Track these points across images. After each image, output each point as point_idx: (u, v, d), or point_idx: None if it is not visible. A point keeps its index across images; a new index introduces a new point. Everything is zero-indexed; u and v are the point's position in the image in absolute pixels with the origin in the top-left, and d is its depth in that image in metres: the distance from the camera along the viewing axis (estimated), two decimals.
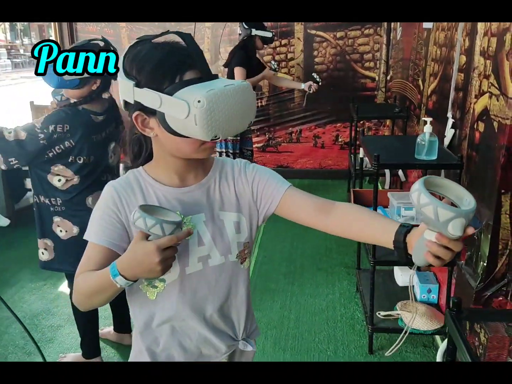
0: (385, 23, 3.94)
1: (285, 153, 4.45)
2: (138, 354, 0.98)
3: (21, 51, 21.37)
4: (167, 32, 0.92)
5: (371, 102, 4.12)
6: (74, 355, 2.05)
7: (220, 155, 3.56)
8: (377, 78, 4.15)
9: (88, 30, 4.36)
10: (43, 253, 1.80)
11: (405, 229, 0.80)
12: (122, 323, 2.15)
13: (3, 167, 1.61)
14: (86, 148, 1.70)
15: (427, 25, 2.71)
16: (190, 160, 0.92)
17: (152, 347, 0.96)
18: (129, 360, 1.02)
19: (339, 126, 4.33)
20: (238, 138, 3.54)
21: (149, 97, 0.83)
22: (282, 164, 4.43)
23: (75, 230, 1.75)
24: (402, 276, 2.33)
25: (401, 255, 0.81)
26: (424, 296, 2.18)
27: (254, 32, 3.34)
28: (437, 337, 2.12)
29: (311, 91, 3.43)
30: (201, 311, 0.95)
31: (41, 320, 2.34)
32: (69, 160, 1.68)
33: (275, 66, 3.69)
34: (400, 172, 3.06)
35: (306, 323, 2.29)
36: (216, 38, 4.23)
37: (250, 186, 0.97)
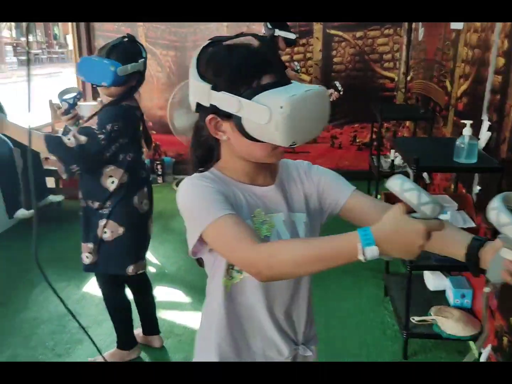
0: (406, 24, 3.91)
1: (301, 154, 4.40)
2: (205, 350, 0.98)
3: (27, 49, 21.37)
4: (242, 34, 0.91)
5: (389, 103, 4.08)
6: (108, 353, 2.03)
7: None
8: (396, 79, 4.11)
9: (105, 29, 4.33)
10: (87, 257, 1.79)
11: (479, 243, 0.79)
12: (151, 325, 2.13)
13: (64, 176, 1.61)
14: (134, 145, 1.74)
15: (455, 25, 2.67)
16: (259, 163, 0.91)
17: (222, 345, 0.95)
18: (195, 355, 1.03)
19: (356, 126, 4.30)
20: None
21: (227, 101, 0.82)
22: None
23: (121, 230, 1.76)
24: (433, 280, 2.30)
25: (473, 269, 0.80)
26: (457, 301, 2.15)
27: (278, 32, 3.31)
28: (471, 343, 2.09)
29: (330, 100, 3.39)
30: (271, 309, 0.94)
31: (68, 321, 2.32)
32: (120, 159, 1.69)
33: (298, 67, 3.65)
34: (425, 174, 3.03)
35: (335, 327, 2.27)
36: None
37: (316, 187, 0.97)
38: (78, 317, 2.46)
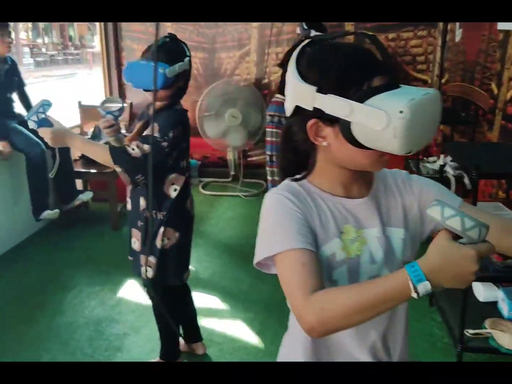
0: (441, 25, 3.81)
1: None
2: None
3: (43, 50, 21.63)
4: (348, 33, 0.85)
5: None
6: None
7: (271, 158, 3.46)
8: (429, 81, 4.02)
9: (132, 29, 4.30)
10: (147, 270, 1.73)
11: None
12: (193, 332, 2.07)
13: (130, 187, 1.58)
14: (189, 149, 1.69)
15: (504, 26, 2.58)
16: (357, 172, 0.84)
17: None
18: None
19: None
20: None
21: (336, 105, 0.75)
22: None
23: (177, 235, 1.71)
24: (484, 291, 2.20)
25: None
26: None
27: (313, 33, 3.24)
28: None
29: None
30: (364, 335, 0.86)
31: (106, 327, 2.27)
32: (181, 166, 1.65)
33: None
34: (466, 180, 2.93)
35: None
36: (263, 39, 4.15)
37: (417, 200, 0.88)
38: (114, 323, 2.43)
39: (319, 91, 0.76)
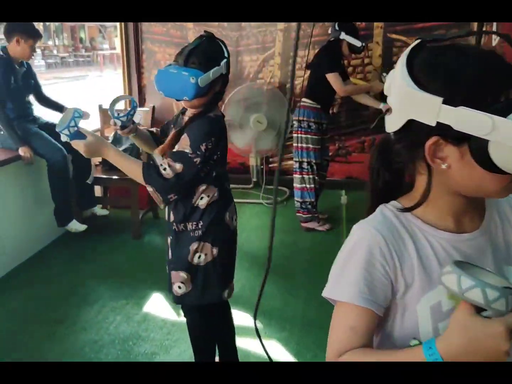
0: (475, 27, 3.65)
1: (355, 164, 4.20)
2: None
3: (54, 52, 21.72)
4: (472, 33, 0.72)
5: None
6: None
7: (301, 164, 3.33)
8: None
9: (153, 31, 4.19)
10: (179, 287, 1.59)
11: None
12: (231, 354, 1.93)
13: (162, 206, 1.50)
14: (225, 157, 1.57)
15: None
16: (470, 199, 0.71)
17: None
18: None
19: None
20: (319, 146, 3.32)
21: (470, 120, 0.61)
22: (351, 175, 4.18)
23: (215, 251, 1.58)
24: None
25: None
26: None
27: (343, 36, 3.12)
28: None
29: (386, 114, 3.16)
30: None
31: (133, 346, 2.13)
32: (213, 176, 1.52)
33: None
34: None
35: None
36: (288, 42, 4.02)
37: None
38: (142, 342, 2.27)
39: (446, 102, 0.62)
